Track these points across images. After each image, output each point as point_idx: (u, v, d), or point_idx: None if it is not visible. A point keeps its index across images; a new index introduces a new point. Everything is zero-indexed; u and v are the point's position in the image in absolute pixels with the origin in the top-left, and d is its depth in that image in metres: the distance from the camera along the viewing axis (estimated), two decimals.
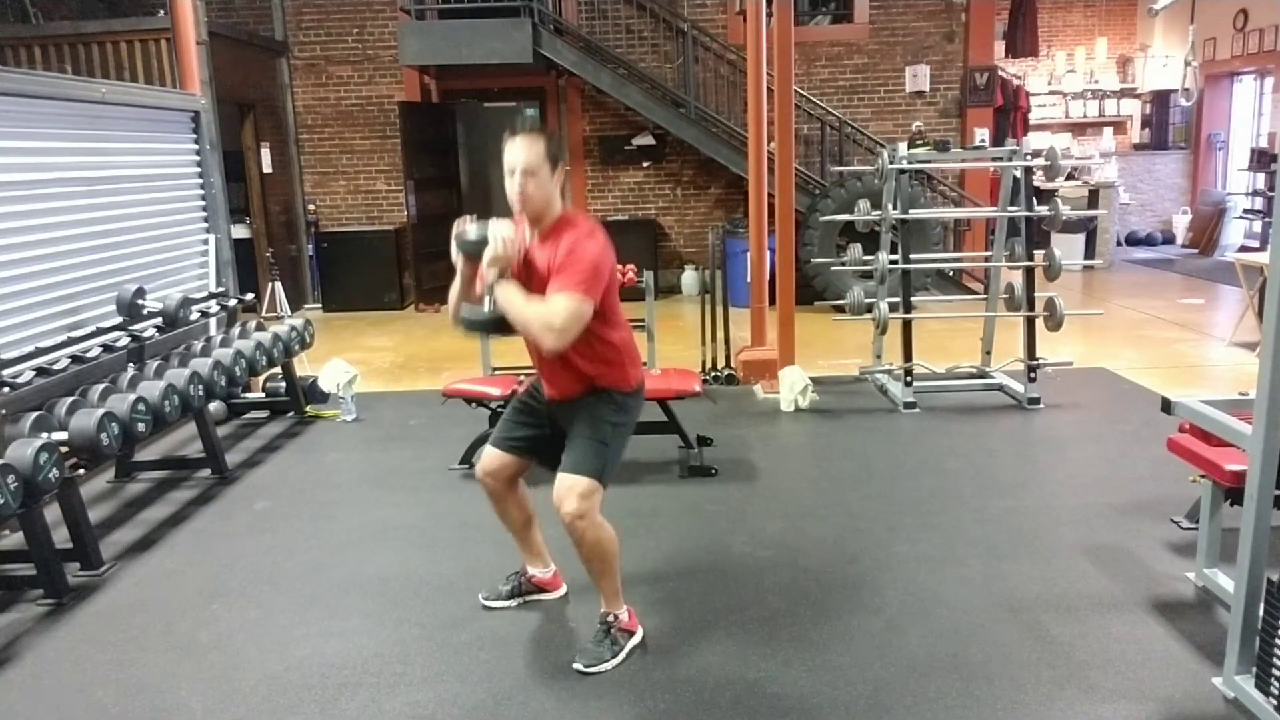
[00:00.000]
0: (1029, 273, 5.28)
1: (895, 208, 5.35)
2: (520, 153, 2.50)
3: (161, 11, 6.60)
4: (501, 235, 2.50)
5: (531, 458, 2.83)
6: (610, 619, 2.73)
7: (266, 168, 8.91)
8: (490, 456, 2.83)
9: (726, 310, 5.91)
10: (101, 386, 3.90)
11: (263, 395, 5.54)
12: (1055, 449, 4.66)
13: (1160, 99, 11.75)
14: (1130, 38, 11.91)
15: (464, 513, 3.85)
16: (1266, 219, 9.83)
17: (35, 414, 3.49)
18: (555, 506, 2.56)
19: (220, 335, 4.98)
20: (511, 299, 2.49)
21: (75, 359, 3.90)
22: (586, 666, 2.65)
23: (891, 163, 5.33)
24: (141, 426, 3.67)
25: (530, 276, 2.57)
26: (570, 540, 2.61)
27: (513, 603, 3.04)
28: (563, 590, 3.09)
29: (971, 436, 4.79)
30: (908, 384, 5.24)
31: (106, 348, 4.10)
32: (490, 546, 3.36)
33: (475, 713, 2.49)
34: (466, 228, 2.57)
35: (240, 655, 2.81)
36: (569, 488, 2.55)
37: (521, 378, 4.18)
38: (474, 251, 2.55)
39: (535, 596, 3.07)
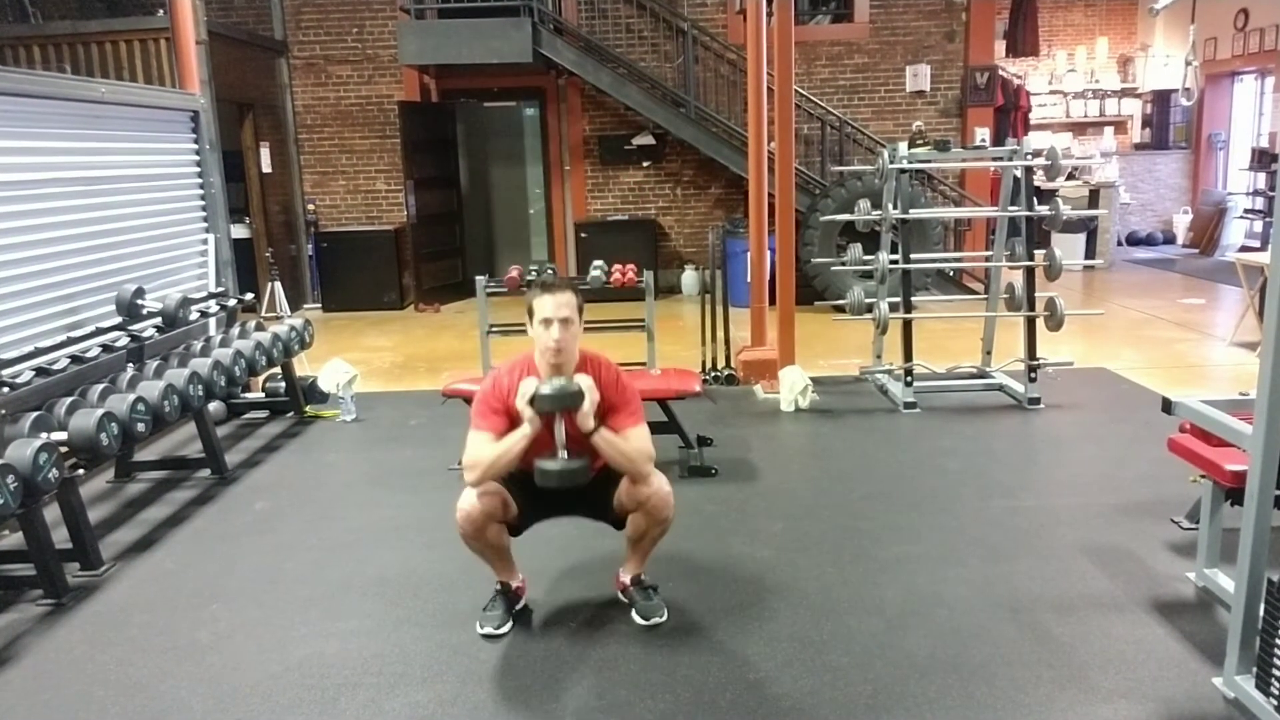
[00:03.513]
0: (1029, 272, 5.27)
1: (895, 207, 5.34)
2: (560, 303, 2.69)
3: (161, 11, 6.61)
4: (588, 387, 2.67)
5: (518, 519, 2.88)
6: (643, 577, 3.01)
7: (266, 167, 8.90)
8: (487, 491, 2.75)
9: (726, 310, 5.91)
10: (101, 386, 3.90)
11: (262, 395, 5.54)
12: (1055, 449, 4.66)
13: (1161, 99, 11.76)
14: (1131, 37, 11.91)
15: None
16: (1267, 219, 9.83)
17: (35, 414, 3.49)
18: (639, 501, 2.77)
19: (220, 335, 4.98)
20: (612, 440, 2.71)
21: (75, 359, 3.90)
22: (661, 617, 2.91)
23: (892, 162, 5.32)
24: (141, 426, 3.66)
25: (569, 419, 2.70)
26: (652, 523, 2.82)
27: (510, 623, 2.95)
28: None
29: (972, 437, 4.78)
30: (908, 384, 5.24)
31: (106, 348, 4.09)
32: None
33: (475, 713, 2.49)
34: (539, 386, 2.65)
35: (240, 655, 2.81)
36: (641, 477, 2.76)
37: None
38: (558, 407, 2.64)
39: (520, 605, 3.01)
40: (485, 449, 2.70)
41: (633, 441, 2.75)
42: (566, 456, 2.69)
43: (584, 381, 2.68)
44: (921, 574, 3.21)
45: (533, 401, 2.64)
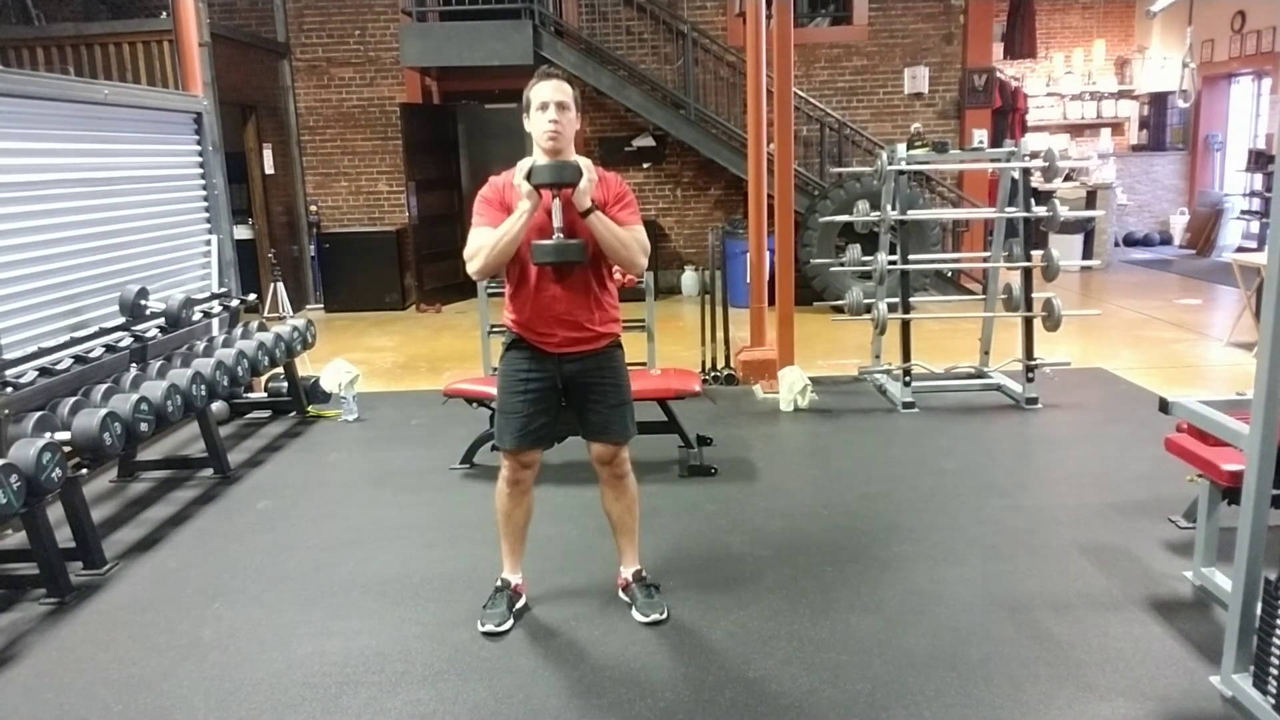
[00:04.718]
0: (1027, 273, 5.29)
1: (894, 209, 5.36)
2: (557, 89, 2.68)
3: (164, 13, 6.63)
4: (587, 166, 2.65)
5: (552, 441, 3.00)
6: (644, 574, 3.06)
7: (268, 169, 8.93)
8: (522, 455, 2.86)
9: (726, 310, 5.93)
10: (104, 386, 3.92)
11: (265, 395, 5.56)
12: (1053, 449, 4.68)
13: (1158, 100, 11.77)
14: (1128, 39, 11.93)
15: (465, 512, 3.86)
16: (1264, 220, 9.85)
17: (38, 414, 3.50)
18: (604, 462, 2.90)
19: (223, 335, 5.00)
20: (608, 223, 2.69)
21: (78, 359, 3.91)
22: (661, 615, 2.93)
23: (890, 164, 5.34)
24: (144, 426, 3.68)
25: (566, 204, 2.68)
26: (615, 495, 2.96)
27: (511, 621, 2.95)
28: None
29: (970, 436, 4.80)
30: (906, 384, 5.26)
31: (109, 348, 4.11)
32: (490, 546, 3.36)
33: (476, 711, 2.51)
34: (537, 163, 2.65)
35: (242, 654, 2.82)
36: (619, 449, 2.90)
37: None
38: (555, 179, 2.62)
39: (520, 604, 3.02)
40: (485, 236, 2.70)
41: (630, 231, 2.74)
42: (559, 238, 2.66)
43: (583, 162, 2.66)
44: (920, 573, 3.23)
45: (530, 176, 2.62)
